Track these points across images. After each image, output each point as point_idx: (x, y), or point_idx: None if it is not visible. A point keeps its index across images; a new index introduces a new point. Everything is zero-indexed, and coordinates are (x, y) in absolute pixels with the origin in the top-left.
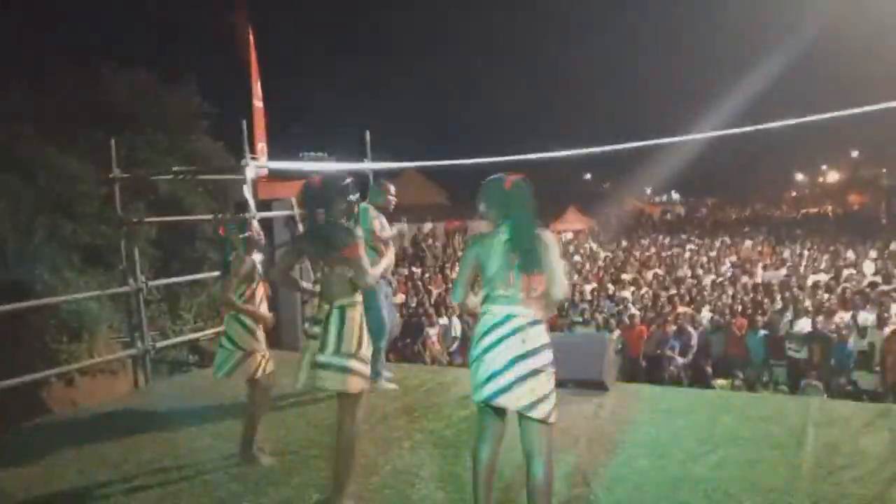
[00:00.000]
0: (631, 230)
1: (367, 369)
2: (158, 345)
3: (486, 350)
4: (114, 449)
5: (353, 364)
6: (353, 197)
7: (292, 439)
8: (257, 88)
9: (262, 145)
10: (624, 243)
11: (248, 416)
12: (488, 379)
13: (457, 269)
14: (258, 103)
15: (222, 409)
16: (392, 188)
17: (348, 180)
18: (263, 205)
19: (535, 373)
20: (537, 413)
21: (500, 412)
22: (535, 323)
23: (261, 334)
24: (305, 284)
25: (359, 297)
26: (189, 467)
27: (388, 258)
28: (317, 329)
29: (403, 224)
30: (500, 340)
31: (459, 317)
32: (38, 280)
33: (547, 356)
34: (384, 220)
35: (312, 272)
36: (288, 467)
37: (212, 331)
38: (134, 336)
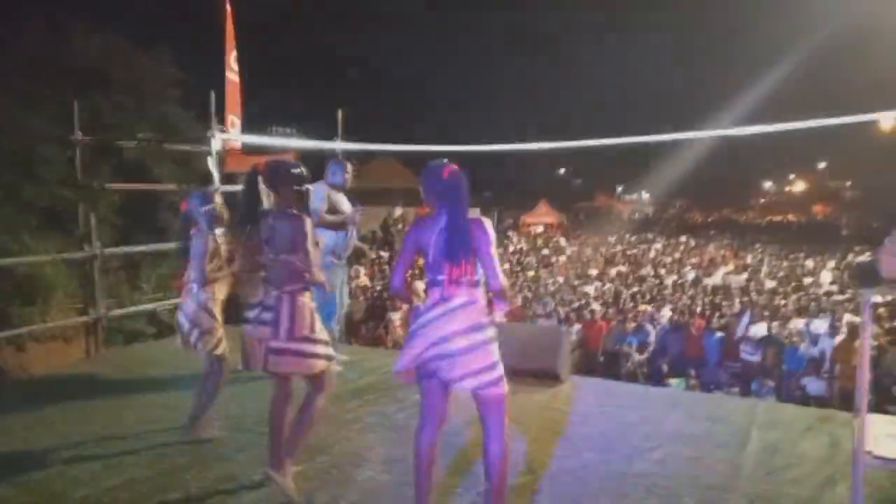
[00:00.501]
0: (599, 227)
1: (325, 349)
2: (113, 313)
3: (423, 326)
4: (61, 416)
5: (308, 347)
6: (305, 186)
7: (242, 415)
8: (231, 60)
9: (233, 118)
10: (591, 239)
11: (207, 390)
12: (425, 350)
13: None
14: (232, 76)
15: (174, 381)
16: (349, 166)
17: (300, 168)
18: (229, 178)
19: (473, 348)
20: (477, 384)
21: (442, 394)
22: (471, 302)
23: (218, 311)
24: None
25: (303, 283)
26: (136, 438)
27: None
28: (267, 315)
29: (359, 209)
30: (437, 318)
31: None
32: None
33: (487, 332)
34: (340, 198)
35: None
36: (236, 443)
37: (170, 302)
38: (88, 303)
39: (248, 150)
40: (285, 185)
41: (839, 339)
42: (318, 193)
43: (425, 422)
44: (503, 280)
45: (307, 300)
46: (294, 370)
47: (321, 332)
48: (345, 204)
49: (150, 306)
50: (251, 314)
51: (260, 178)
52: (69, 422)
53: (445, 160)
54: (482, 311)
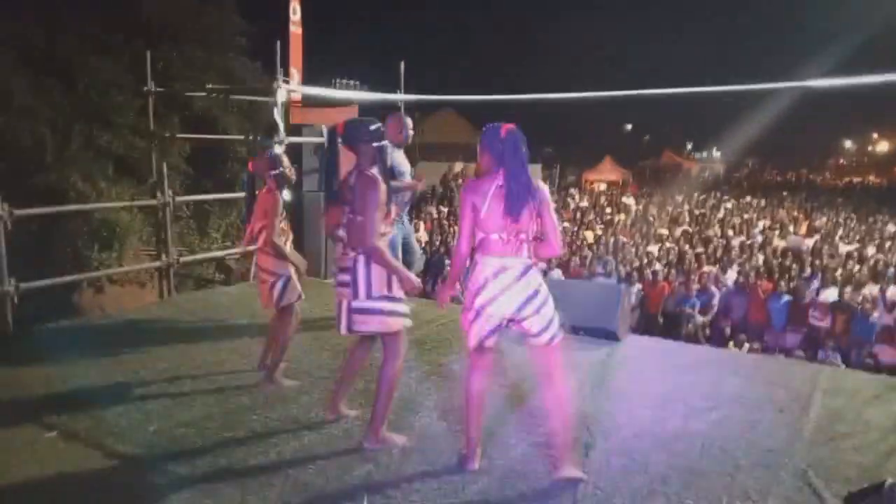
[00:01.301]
0: (665, 185)
1: (401, 307)
2: (183, 259)
3: (488, 303)
4: (133, 355)
5: (387, 305)
6: (382, 143)
7: (305, 361)
8: (293, 12)
9: (294, 71)
10: (657, 198)
11: (277, 340)
12: (482, 323)
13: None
14: (295, 28)
15: (240, 327)
16: (410, 122)
17: (377, 125)
18: (294, 130)
19: (536, 310)
20: (544, 339)
21: (496, 349)
22: (528, 269)
23: (293, 260)
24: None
25: (383, 242)
26: (203, 378)
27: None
28: (345, 276)
29: (422, 180)
30: (500, 293)
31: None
32: (73, 187)
33: (543, 291)
34: (400, 155)
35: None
36: (298, 387)
37: (238, 250)
38: (160, 249)
39: (312, 102)
40: (365, 143)
41: None
42: (388, 153)
43: (476, 373)
44: (559, 247)
45: (384, 259)
46: (375, 329)
47: (398, 291)
48: (405, 164)
49: (219, 253)
50: (338, 276)
51: (339, 138)
52: (142, 361)
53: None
54: (536, 276)
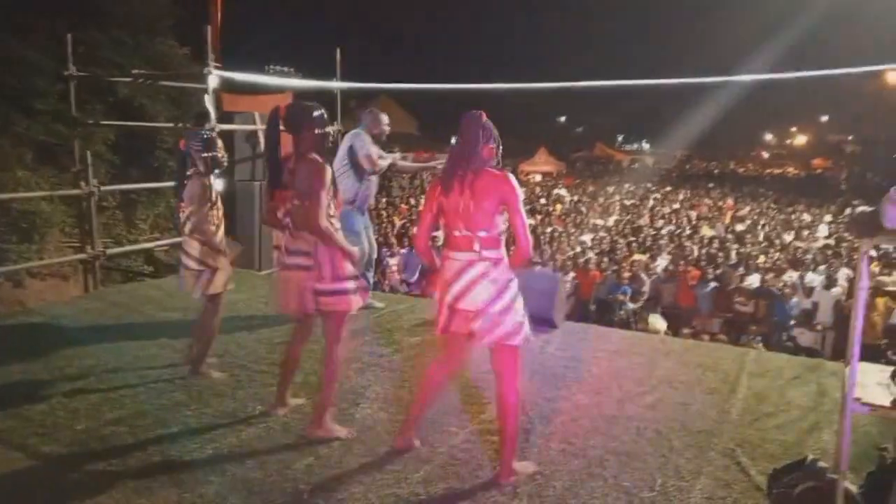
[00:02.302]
0: (597, 176)
1: (357, 286)
2: (110, 251)
3: (455, 297)
4: (59, 351)
5: (350, 285)
6: (325, 129)
7: (240, 354)
8: None
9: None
10: (590, 188)
11: (204, 331)
12: (446, 314)
13: (422, 201)
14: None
15: (172, 320)
16: (385, 118)
17: (321, 111)
18: (225, 117)
19: (488, 304)
20: (496, 339)
21: (466, 345)
22: (491, 265)
23: (222, 250)
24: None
25: (337, 224)
26: (133, 374)
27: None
28: (300, 259)
29: (397, 154)
30: (464, 288)
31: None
32: None
33: (502, 287)
34: (377, 148)
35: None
36: (233, 381)
37: (167, 241)
38: (85, 241)
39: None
40: (307, 129)
41: (836, 290)
42: (364, 140)
43: (441, 360)
44: (528, 247)
45: (341, 239)
46: (339, 309)
47: (353, 272)
48: (385, 155)
49: (146, 245)
50: (288, 260)
51: (257, 117)
52: (68, 357)
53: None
54: (501, 273)
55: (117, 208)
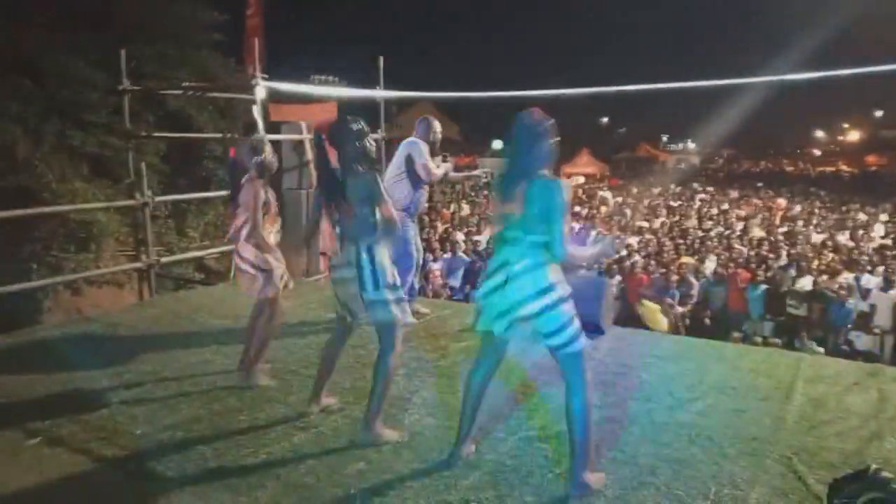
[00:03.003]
0: (642, 177)
1: (402, 296)
2: (163, 260)
3: (491, 291)
4: (116, 358)
5: (394, 295)
6: (365, 141)
7: (291, 360)
8: (248, 6)
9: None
10: (634, 190)
11: (257, 334)
12: (497, 315)
13: (464, 206)
14: (252, 21)
15: (223, 326)
16: (438, 126)
17: (361, 124)
18: (273, 127)
19: (539, 314)
20: (555, 342)
21: (499, 343)
22: (532, 268)
23: (279, 253)
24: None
25: (380, 234)
26: (188, 380)
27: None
28: (347, 272)
29: (448, 164)
30: (501, 284)
31: (465, 252)
32: (47, 188)
33: (552, 295)
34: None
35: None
36: (285, 386)
37: (217, 249)
38: (140, 250)
39: (291, 99)
40: (349, 142)
41: (893, 292)
42: (422, 150)
43: (478, 363)
44: (564, 251)
45: (385, 250)
46: (383, 319)
47: (398, 281)
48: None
49: (198, 253)
50: (336, 272)
51: (324, 137)
52: (125, 363)
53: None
54: (544, 275)
55: (168, 217)
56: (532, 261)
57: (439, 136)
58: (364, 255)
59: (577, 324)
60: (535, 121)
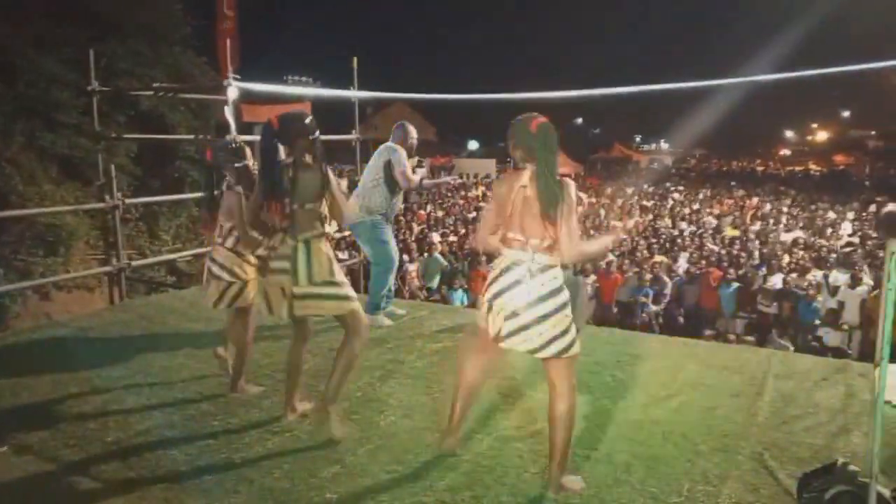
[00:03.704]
0: (616, 177)
1: (349, 291)
2: (135, 263)
3: (498, 294)
4: (87, 363)
5: (329, 290)
6: (316, 134)
7: (265, 364)
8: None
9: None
10: (608, 190)
11: (239, 346)
12: (506, 318)
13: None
14: (226, 21)
15: (196, 330)
16: (414, 131)
17: (310, 118)
18: (245, 128)
19: (544, 318)
20: (549, 353)
21: (497, 349)
22: (546, 268)
23: (252, 262)
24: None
25: (322, 230)
26: (161, 385)
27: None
28: (285, 263)
29: (423, 169)
30: (510, 286)
31: (442, 253)
32: (14, 190)
33: (558, 300)
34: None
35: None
36: (259, 391)
37: (190, 252)
38: (110, 253)
39: (257, 99)
40: (299, 137)
41: (861, 289)
42: (401, 156)
43: (469, 356)
44: (574, 252)
45: (324, 247)
46: (316, 313)
47: (340, 275)
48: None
49: (170, 256)
50: (273, 264)
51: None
52: (96, 368)
53: (534, 113)
54: (554, 278)
55: (140, 220)
56: (542, 263)
57: (415, 142)
58: (301, 249)
59: (574, 329)
60: (546, 122)
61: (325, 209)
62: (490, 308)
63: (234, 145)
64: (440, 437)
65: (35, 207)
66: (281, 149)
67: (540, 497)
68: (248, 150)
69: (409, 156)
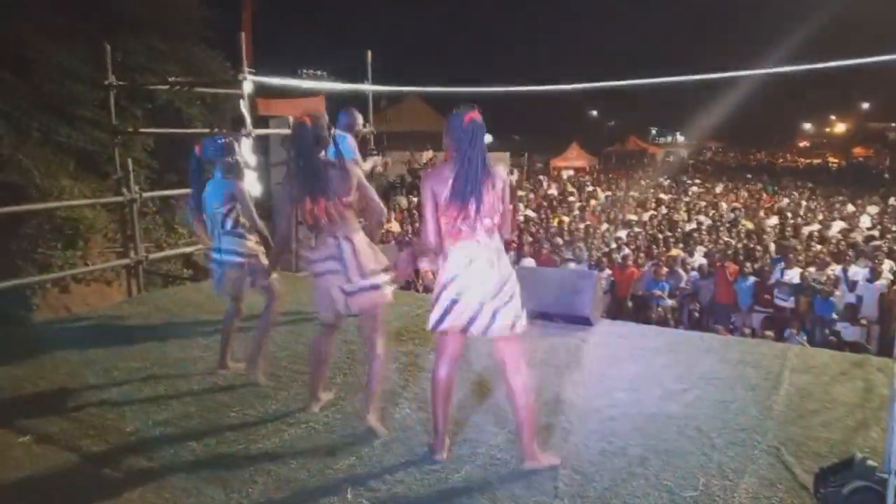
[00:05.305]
0: (631, 170)
1: (387, 278)
2: (152, 256)
3: (448, 282)
4: (105, 355)
5: (379, 279)
6: (332, 132)
7: (282, 356)
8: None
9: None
10: (623, 183)
11: (260, 328)
12: (451, 309)
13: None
14: (244, 14)
15: (213, 322)
16: (360, 118)
17: (325, 118)
18: (260, 121)
19: (497, 298)
20: (501, 331)
21: (461, 337)
22: (500, 255)
23: (255, 241)
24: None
25: (358, 224)
26: (178, 377)
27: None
28: (332, 264)
29: (377, 157)
30: (459, 275)
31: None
32: (33, 184)
33: (506, 278)
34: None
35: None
36: (276, 383)
37: (206, 246)
38: (128, 246)
39: (271, 93)
40: (327, 135)
41: (880, 283)
42: (352, 145)
43: (443, 360)
44: (509, 228)
45: (363, 237)
46: (371, 304)
47: (383, 261)
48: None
49: (187, 249)
50: (320, 266)
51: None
52: (115, 360)
53: (473, 106)
54: (498, 255)
55: (157, 213)
56: (498, 247)
57: (362, 128)
58: (345, 245)
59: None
60: (478, 117)
61: (356, 204)
62: (456, 301)
63: (221, 140)
64: (431, 449)
65: (53, 201)
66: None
67: (555, 490)
68: (236, 146)
69: (358, 142)
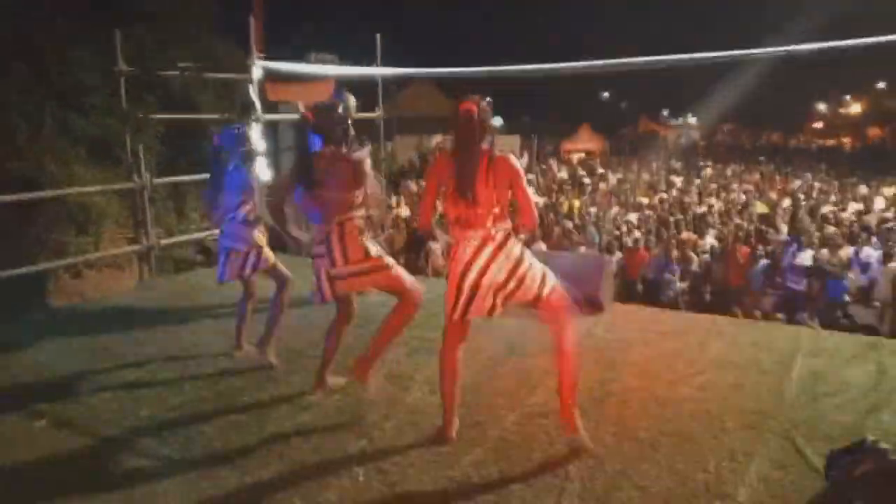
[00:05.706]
0: (643, 152)
1: (393, 264)
2: (163, 242)
3: (464, 272)
4: (118, 340)
5: (366, 265)
6: (346, 124)
7: (293, 340)
8: None
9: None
10: (634, 166)
11: (272, 310)
12: (473, 298)
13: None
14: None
15: (225, 309)
16: (353, 100)
17: (343, 105)
18: (270, 107)
19: (521, 282)
20: (544, 294)
21: (468, 321)
22: (505, 240)
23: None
24: (295, 233)
25: (352, 214)
26: (192, 361)
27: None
28: (320, 248)
29: (367, 147)
30: (472, 264)
31: None
32: (46, 172)
33: (518, 260)
34: None
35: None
36: (288, 366)
37: (217, 231)
38: (139, 232)
39: (281, 78)
40: (335, 127)
41: (893, 265)
42: None
43: (451, 343)
44: (535, 219)
45: (356, 228)
46: (354, 289)
47: (380, 252)
48: None
49: (198, 235)
50: (314, 250)
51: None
52: (129, 345)
53: (473, 97)
54: (508, 246)
55: (168, 199)
56: (506, 232)
57: (354, 113)
58: (334, 233)
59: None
60: (473, 108)
61: (358, 197)
62: (464, 289)
63: (237, 130)
64: (438, 432)
65: (66, 188)
66: (317, 140)
67: (566, 473)
68: (249, 134)
69: (352, 125)
